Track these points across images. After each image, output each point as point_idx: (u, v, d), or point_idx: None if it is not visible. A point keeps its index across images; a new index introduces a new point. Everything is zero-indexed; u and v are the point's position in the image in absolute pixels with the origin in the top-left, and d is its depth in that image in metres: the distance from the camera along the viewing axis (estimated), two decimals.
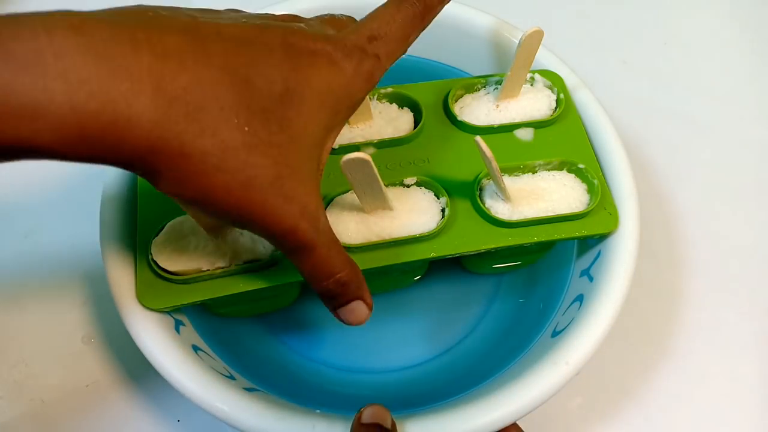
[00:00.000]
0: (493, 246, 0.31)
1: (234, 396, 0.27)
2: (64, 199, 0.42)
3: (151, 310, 0.28)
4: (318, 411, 0.27)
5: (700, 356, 0.38)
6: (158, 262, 0.28)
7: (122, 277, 0.29)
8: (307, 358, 0.36)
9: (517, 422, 0.28)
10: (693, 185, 0.45)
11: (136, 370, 0.37)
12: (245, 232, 0.29)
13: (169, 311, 0.30)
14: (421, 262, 0.31)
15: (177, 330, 0.30)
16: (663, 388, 0.37)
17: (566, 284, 0.34)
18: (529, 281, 0.38)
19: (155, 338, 0.28)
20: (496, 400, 0.27)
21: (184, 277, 0.28)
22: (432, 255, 0.30)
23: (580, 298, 0.31)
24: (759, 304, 0.40)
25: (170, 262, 0.28)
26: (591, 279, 0.32)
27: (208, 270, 0.28)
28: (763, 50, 0.53)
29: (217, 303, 0.32)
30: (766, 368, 0.38)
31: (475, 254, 0.31)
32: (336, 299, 0.25)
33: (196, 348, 0.30)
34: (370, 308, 0.26)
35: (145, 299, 0.28)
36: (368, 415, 0.25)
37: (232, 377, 0.29)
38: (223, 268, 0.28)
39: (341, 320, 0.26)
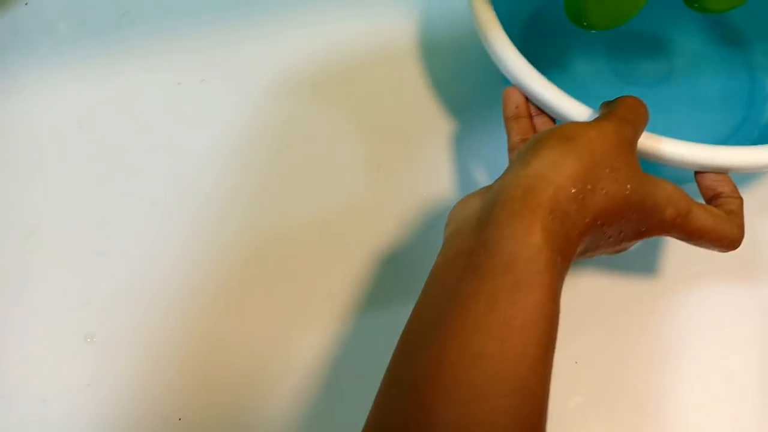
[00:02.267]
0: None
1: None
2: (66, 198, 0.43)
3: None
4: None
5: (700, 355, 0.38)
6: None
7: None
8: None
9: None
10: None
11: (137, 370, 0.37)
12: None
13: None
14: None
15: None
16: (663, 388, 0.37)
17: None
18: None
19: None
20: None
21: None
22: None
23: None
24: (760, 304, 0.40)
25: None
26: None
27: None
28: None
29: None
30: (766, 368, 0.38)
31: None
32: None
33: None
34: None
35: None
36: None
37: None
38: None
39: None
